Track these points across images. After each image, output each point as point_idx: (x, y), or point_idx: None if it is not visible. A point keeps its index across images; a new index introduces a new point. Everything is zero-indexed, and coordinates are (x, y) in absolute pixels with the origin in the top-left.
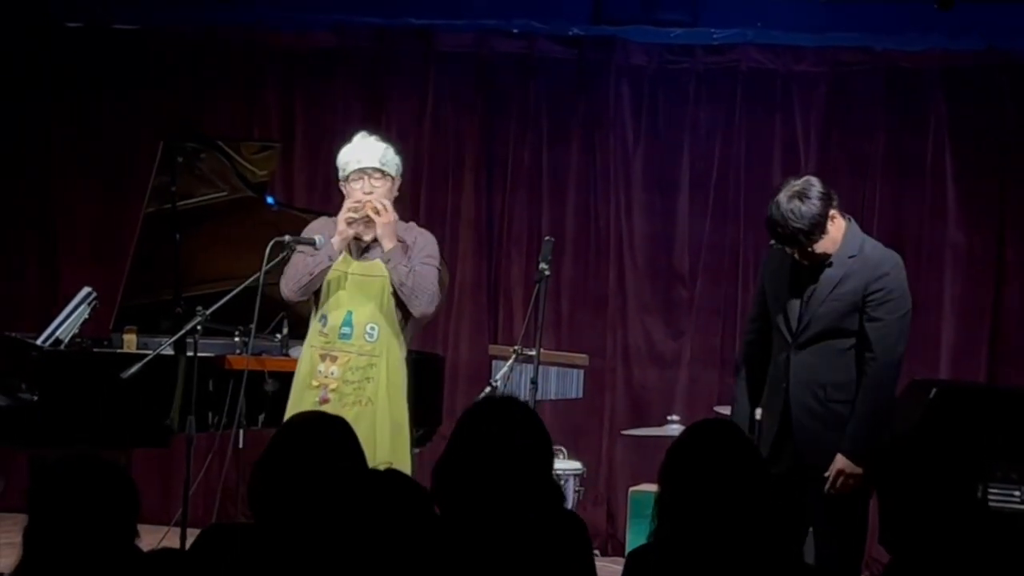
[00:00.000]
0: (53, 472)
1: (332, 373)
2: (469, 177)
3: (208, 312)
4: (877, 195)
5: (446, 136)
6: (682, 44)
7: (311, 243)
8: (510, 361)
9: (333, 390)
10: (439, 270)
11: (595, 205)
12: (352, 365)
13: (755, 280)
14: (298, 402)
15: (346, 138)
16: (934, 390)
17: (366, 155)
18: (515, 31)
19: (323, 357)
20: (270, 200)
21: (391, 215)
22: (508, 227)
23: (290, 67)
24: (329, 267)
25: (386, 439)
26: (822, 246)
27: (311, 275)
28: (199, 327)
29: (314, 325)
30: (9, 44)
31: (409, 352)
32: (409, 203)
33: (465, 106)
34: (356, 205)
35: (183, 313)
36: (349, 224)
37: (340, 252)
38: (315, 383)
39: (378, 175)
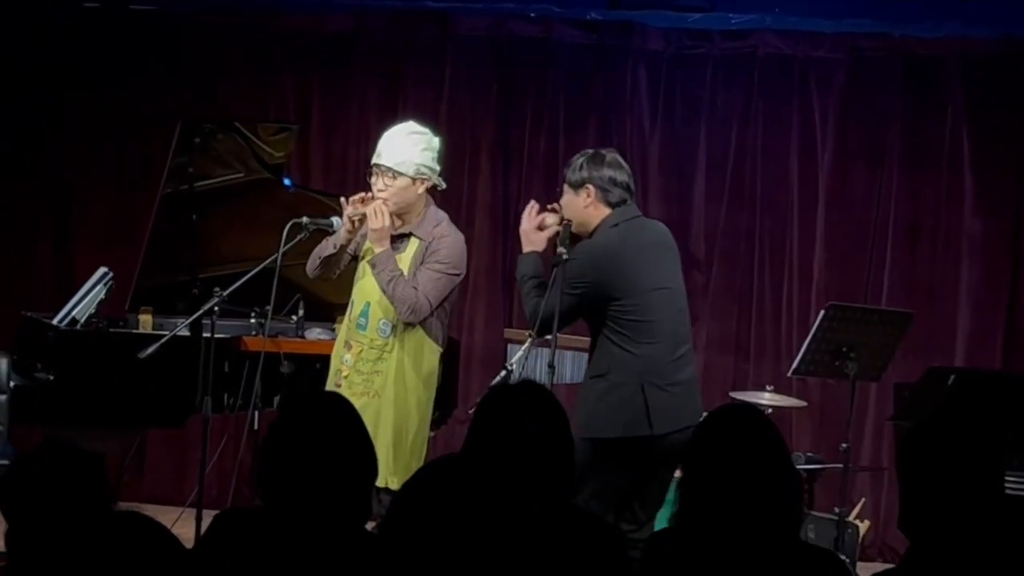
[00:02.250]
0: (18, 470)
1: (346, 361)
2: (485, 161)
3: (225, 293)
4: (894, 182)
5: (462, 120)
6: (700, 29)
7: (328, 225)
8: (526, 345)
9: (346, 377)
10: (451, 276)
11: None
12: (364, 356)
13: (771, 266)
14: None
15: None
16: (952, 377)
17: (386, 151)
18: (532, 15)
19: (345, 344)
20: (287, 182)
21: (382, 221)
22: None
23: (307, 50)
24: (334, 254)
25: (388, 434)
26: (563, 201)
27: (319, 258)
28: (216, 308)
29: (346, 310)
30: (26, 23)
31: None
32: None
33: (482, 90)
34: (358, 201)
35: (200, 294)
36: (351, 219)
37: (349, 241)
38: (338, 369)
39: (390, 175)
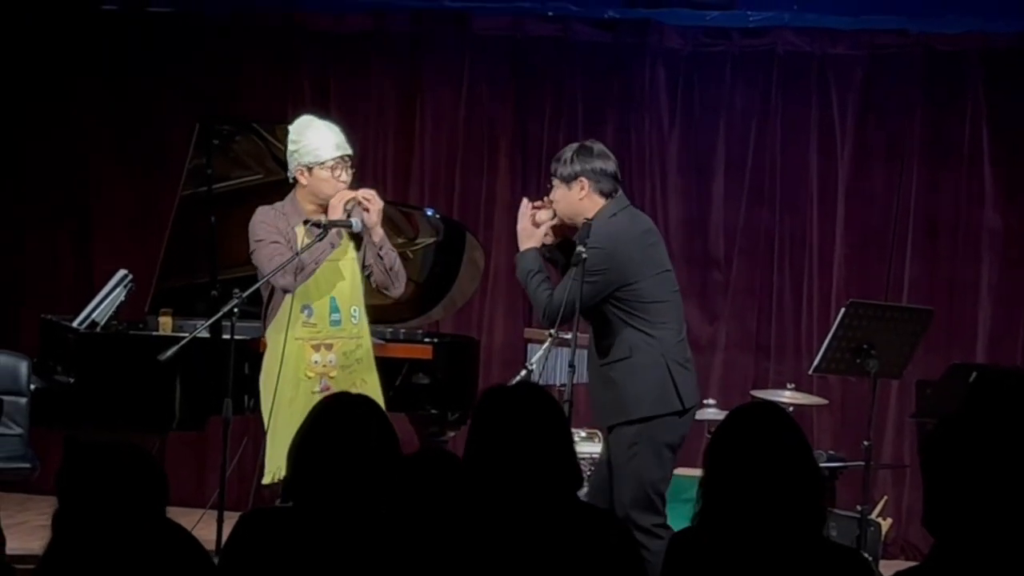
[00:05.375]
0: (81, 459)
1: (331, 361)
2: (504, 160)
3: (245, 295)
4: (914, 178)
5: (481, 119)
6: (718, 27)
7: (347, 225)
8: (545, 344)
9: (332, 378)
10: None
11: (630, 189)
12: (344, 350)
13: (791, 264)
14: (291, 398)
15: (302, 122)
16: (974, 374)
17: (343, 141)
18: (550, 14)
19: (316, 347)
20: None
21: (380, 202)
22: None
23: (326, 50)
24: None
25: None
26: (555, 195)
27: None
28: (236, 310)
29: (295, 316)
30: (46, 27)
31: (443, 336)
32: (444, 186)
33: (500, 89)
34: (347, 195)
35: (219, 296)
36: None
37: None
38: (311, 374)
39: (350, 160)
